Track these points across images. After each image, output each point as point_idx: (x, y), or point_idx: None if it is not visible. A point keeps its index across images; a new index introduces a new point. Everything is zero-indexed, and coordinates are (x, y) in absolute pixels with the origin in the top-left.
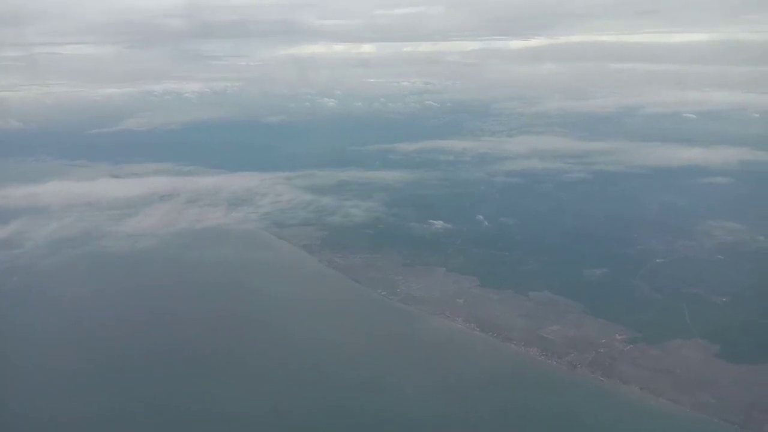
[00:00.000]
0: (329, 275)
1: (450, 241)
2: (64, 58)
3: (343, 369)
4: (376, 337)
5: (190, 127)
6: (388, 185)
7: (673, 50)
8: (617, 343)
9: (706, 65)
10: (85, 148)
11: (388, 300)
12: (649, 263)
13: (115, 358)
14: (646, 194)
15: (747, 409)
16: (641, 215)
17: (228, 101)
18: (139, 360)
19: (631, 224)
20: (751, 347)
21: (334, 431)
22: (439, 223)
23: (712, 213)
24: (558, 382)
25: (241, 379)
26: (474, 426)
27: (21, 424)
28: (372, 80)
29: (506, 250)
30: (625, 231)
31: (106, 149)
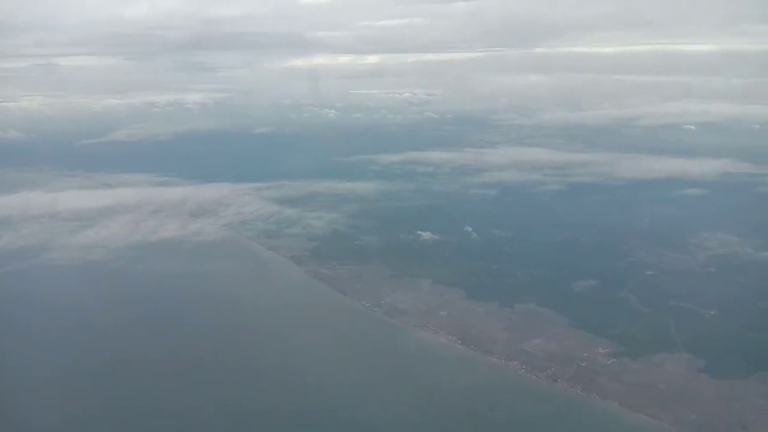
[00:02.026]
0: (309, 286)
1: (438, 252)
2: (65, 69)
3: (314, 382)
4: (353, 349)
5: (180, 137)
6: (358, 196)
7: (673, 61)
8: (600, 357)
9: (706, 76)
10: (79, 158)
11: (372, 311)
12: (639, 276)
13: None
14: (639, 206)
15: (729, 425)
16: (633, 227)
17: (228, 112)
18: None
19: (623, 236)
20: (736, 362)
21: None
22: (426, 234)
23: (706, 225)
24: (535, 396)
25: (209, 390)
26: None
27: None
28: (375, 91)
29: (494, 261)
30: (616, 243)
31: (93, 159)
